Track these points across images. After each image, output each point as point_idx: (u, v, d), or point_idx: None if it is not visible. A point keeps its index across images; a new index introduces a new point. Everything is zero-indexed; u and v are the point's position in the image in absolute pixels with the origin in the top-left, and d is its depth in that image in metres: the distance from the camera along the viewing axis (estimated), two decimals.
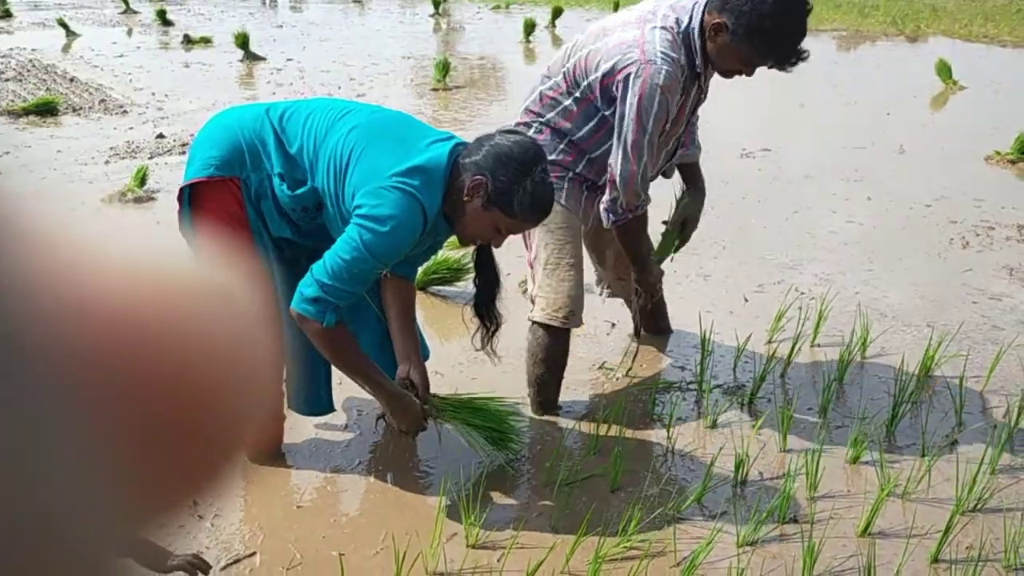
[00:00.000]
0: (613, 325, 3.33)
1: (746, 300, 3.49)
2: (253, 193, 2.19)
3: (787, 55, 2.32)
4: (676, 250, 2.94)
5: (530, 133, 2.55)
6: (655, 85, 2.34)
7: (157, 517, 0.20)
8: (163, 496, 0.20)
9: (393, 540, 2.12)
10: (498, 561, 2.10)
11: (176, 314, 0.19)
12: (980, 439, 2.61)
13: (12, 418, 0.17)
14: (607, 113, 2.47)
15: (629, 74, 2.36)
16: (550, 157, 2.53)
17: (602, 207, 2.59)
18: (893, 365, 3.01)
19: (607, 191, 2.56)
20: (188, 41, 9.22)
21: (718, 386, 2.89)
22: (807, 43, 2.35)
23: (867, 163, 5.34)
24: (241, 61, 8.26)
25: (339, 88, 7.21)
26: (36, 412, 0.17)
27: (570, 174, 2.59)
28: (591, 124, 2.52)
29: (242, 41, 8.34)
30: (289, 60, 8.33)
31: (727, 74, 2.47)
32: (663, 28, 2.37)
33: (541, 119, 2.59)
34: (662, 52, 2.35)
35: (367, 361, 2.22)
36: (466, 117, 6.45)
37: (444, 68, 7.47)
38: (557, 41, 9.89)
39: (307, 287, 2.07)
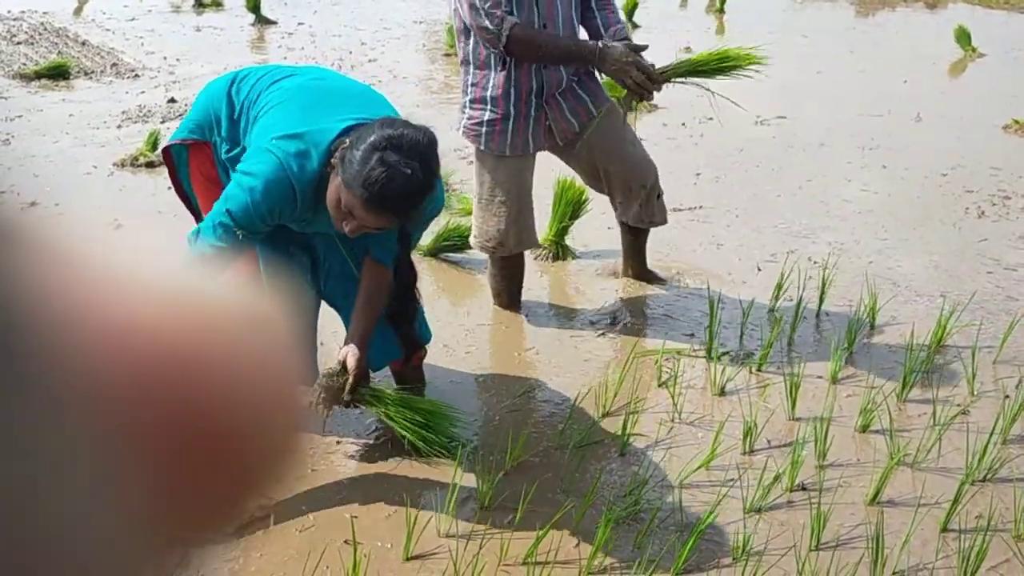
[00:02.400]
0: (619, 291, 3.33)
1: (759, 270, 3.48)
2: (221, 158, 2.23)
3: None
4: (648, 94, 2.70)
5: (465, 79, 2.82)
6: None
7: (183, 541, 0.19)
8: (189, 520, 0.19)
9: (406, 503, 2.15)
10: (509, 523, 2.12)
11: (207, 339, 0.19)
12: (991, 409, 2.61)
13: (14, 433, 0.16)
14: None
15: None
16: (470, 96, 2.80)
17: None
18: (905, 334, 3.01)
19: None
20: (199, 5, 9.16)
21: (726, 353, 2.89)
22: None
23: (883, 131, 5.28)
24: (252, 25, 8.21)
25: (350, 53, 7.16)
26: (42, 429, 0.17)
27: (490, 109, 2.79)
28: (467, 36, 2.74)
29: (253, 5, 8.28)
30: (300, 24, 8.27)
31: None
32: None
33: (462, 66, 2.83)
34: None
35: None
36: None
37: None
38: None
39: (192, 230, 2.07)
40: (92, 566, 0.17)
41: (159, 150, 4.55)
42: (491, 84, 2.80)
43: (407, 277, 2.24)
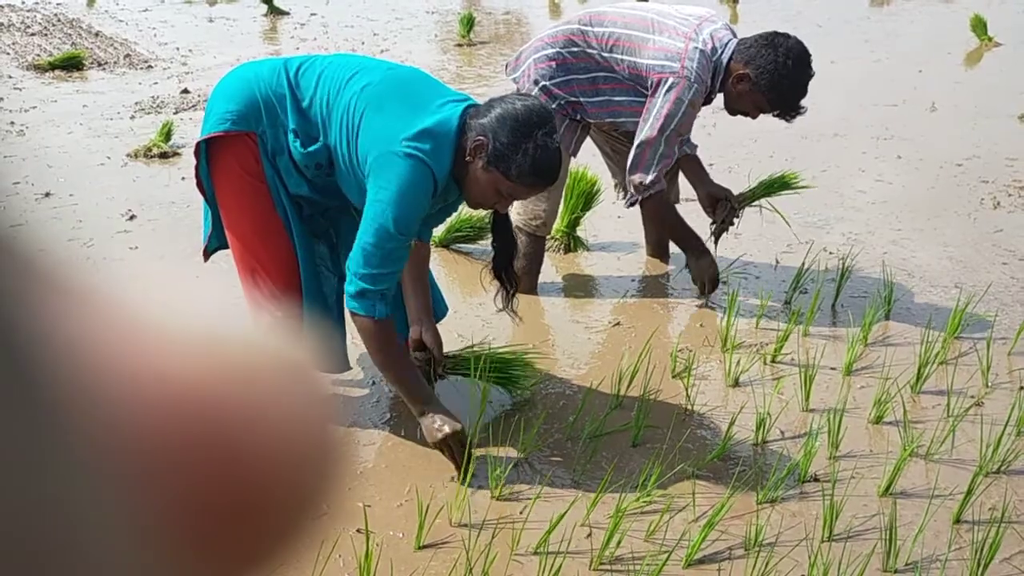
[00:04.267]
0: (632, 282, 3.32)
1: (777, 262, 3.46)
2: (269, 149, 2.18)
3: (793, 108, 2.82)
4: (726, 227, 3.17)
5: (540, 54, 2.91)
6: (683, 100, 2.75)
7: None
8: (217, 571, 0.19)
9: (417, 492, 2.15)
10: (521, 513, 2.13)
11: (239, 390, 0.19)
12: (1006, 401, 2.60)
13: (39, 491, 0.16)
14: (619, 77, 2.87)
15: (666, 80, 2.76)
16: (545, 83, 2.91)
17: (624, 198, 3.08)
18: (919, 326, 2.99)
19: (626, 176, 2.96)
20: None
21: (740, 345, 2.88)
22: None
23: (898, 121, 5.25)
24: (265, 16, 8.21)
25: (362, 43, 7.15)
26: (62, 466, 0.16)
27: (554, 104, 2.90)
28: (601, 74, 2.89)
29: None
30: (313, 15, 8.27)
31: (733, 112, 2.93)
32: (702, 51, 2.75)
33: (553, 50, 2.91)
34: (697, 71, 2.74)
35: (409, 366, 2.22)
36: (490, 73, 6.39)
37: (468, 23, 7.39)
38: None
39: (349, 284, 2.09)
40: None
41: (172, 141, 4.58)
42: (567, 99, 2.93)
43: (508, 228, 2.32)
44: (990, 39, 7.30)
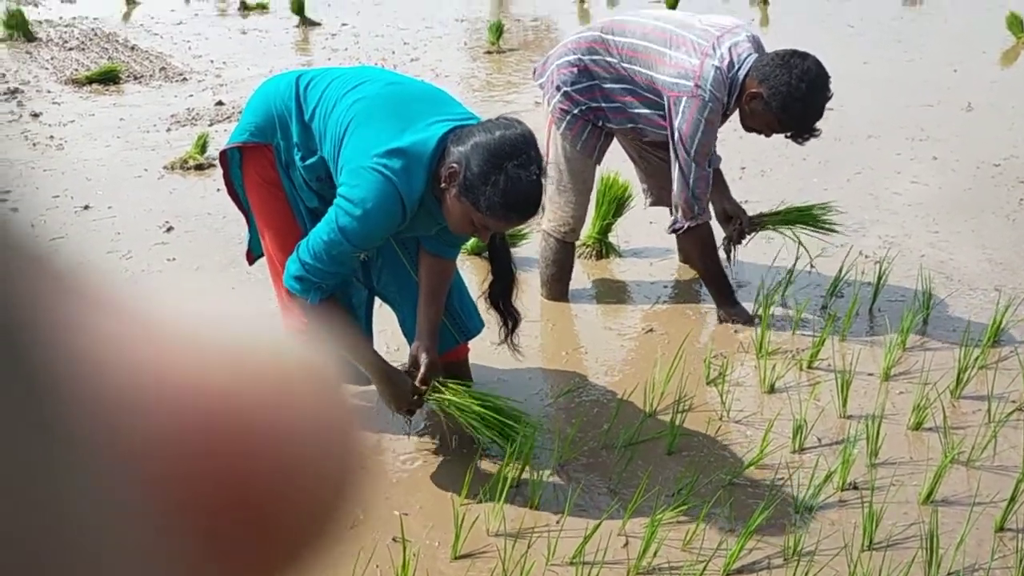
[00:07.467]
0: (665, 288, 3.30)
1: (812, 267, 3.43)
2: (284, 161, 2.23)
3: (806, 131, 2.79)
4: (740, 240, 3.20)
5: (563, 59, 2.93)
6: (699, 118, 2.74)
7: None
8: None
9: (453, 501, 2.16)
10: (557, 523, 2.12)
11: (272, 400, 0.19)
12: None
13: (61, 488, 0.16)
14: (639, 90, 2.87)
15: (681, 98, 2.74)
16: (568, 88, 2.92)
17: (669, 220, 3.04)
18: (959, 329, 2.95)
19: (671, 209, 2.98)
20: (244, 7, 9.29)
21: (776, 351, 2.86)
22: None
23: (933, 121, 5.18)
24: (297, 27, 8.30)
25: (393, 52, 7.20)
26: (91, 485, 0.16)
27: (577, 109, 2.94)
28: (621, 85, 2.89)
29: (298, 6, 8.38)
30: (344, 25, 8.34)
31: (748, 129, 2.91)
32: (717, 67, 2.71)
33: (575, 56, 2.93)
34: (712, 89, 2.71)
35: (356, 335, 2.23)
36: (519, 80, 6.40)
37: (498, 30, 7.42)
38: (612, 1, 9.73)
39: (292, 263, 2.09)
40: None
41: (207, 153, 4.64)
42: (590, 104, 2.93)
43: (506, 257, 2.30)
44: None
